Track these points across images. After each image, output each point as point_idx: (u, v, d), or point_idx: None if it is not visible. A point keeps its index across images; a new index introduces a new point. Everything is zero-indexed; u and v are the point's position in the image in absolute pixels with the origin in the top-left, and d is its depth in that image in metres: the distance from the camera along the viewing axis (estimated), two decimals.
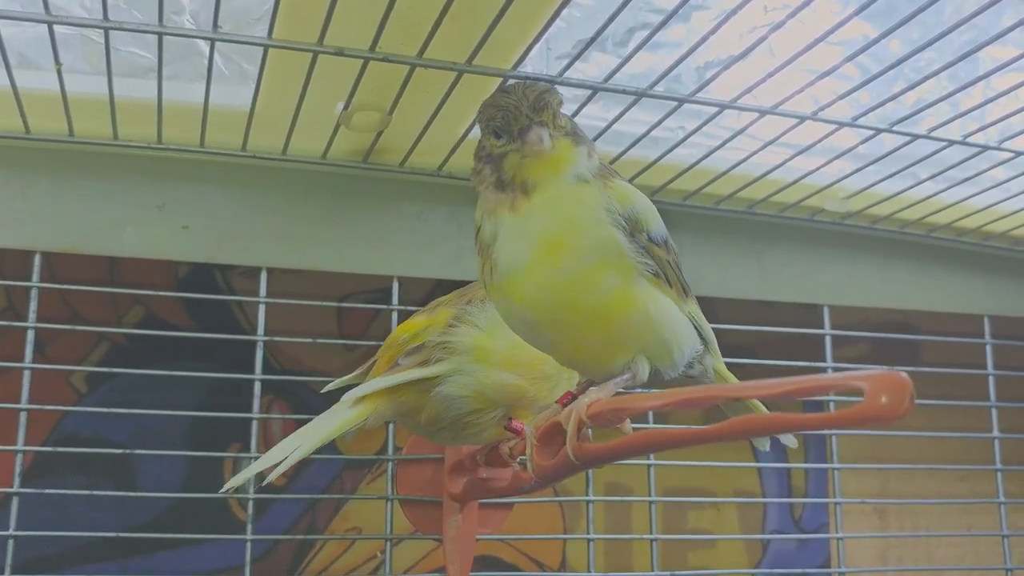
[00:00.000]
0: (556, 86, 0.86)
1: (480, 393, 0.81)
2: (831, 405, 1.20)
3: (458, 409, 0.82)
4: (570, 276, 0.62)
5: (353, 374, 0.88)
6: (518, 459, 0.82)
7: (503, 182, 0.64)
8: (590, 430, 0.65)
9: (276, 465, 0.74)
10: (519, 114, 0.62)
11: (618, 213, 0.63)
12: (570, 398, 0.68)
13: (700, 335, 0.69)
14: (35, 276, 0.97)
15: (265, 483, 0.74)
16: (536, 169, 0.63)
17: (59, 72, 0.83)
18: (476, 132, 0.96)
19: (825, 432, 1.22)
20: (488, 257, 0.65)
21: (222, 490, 0.77)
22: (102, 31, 0.78)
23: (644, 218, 0.65)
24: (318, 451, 1.11)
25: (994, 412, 1.31)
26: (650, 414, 1.12)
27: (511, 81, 0.85)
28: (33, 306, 0.97)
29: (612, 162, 1.02)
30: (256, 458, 1.00)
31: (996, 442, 1.31)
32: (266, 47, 0.80)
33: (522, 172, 0.63)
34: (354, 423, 0.79)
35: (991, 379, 1.32)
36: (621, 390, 0.63)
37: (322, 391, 0.88)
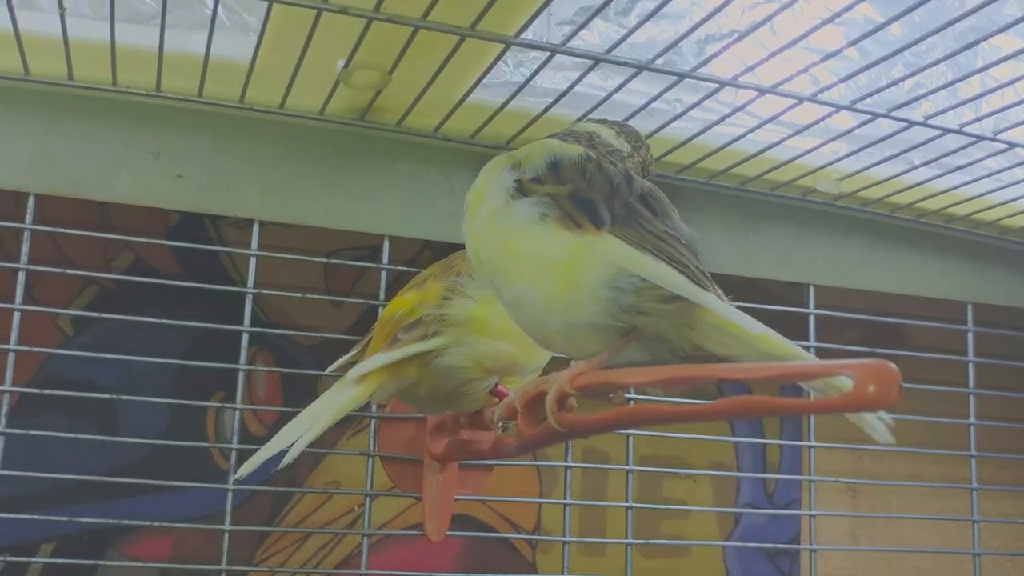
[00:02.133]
0: (559, 53, 0.87)
1: (477, 362, 0.82)
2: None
3: (456, 379, 0.83)
4: (478, 230, 0.66)
5: (351, 353, 0.88)
6: (500, 424, 0.83)
7: None
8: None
9: (290, 446, 0.75)
10: None
11: (510, 166, 0.66)
12: None
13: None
14: (28, 218, 0.97)
15: (280, 467, 0.74)
16: None
17: (62, 16, 0.82)
18: (473, 96, 0.97)
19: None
20: None
21: (237, 475, 0.77)
22: None
23: (524, 161, 0.66)
24: (301, 404, 1.13)
25: (972, 399, 1.33)
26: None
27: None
28: (26, 248, 0.97)
29: None
30: (240, 409, 1.02)
31: (972, 428, 1.33)
32: (271, 1, 0.80)
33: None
34: (361, 400, 0.81)
35: (971, 366, 1.34)
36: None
37: (326, 371, 0.88)
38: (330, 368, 0.87)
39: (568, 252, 0.59)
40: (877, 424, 0.50)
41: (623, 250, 0.59)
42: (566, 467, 1.15)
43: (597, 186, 0.62)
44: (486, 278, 0.67)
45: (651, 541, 1.28)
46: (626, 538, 1.16)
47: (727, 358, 0.58)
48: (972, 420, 1.33)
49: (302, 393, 1.17)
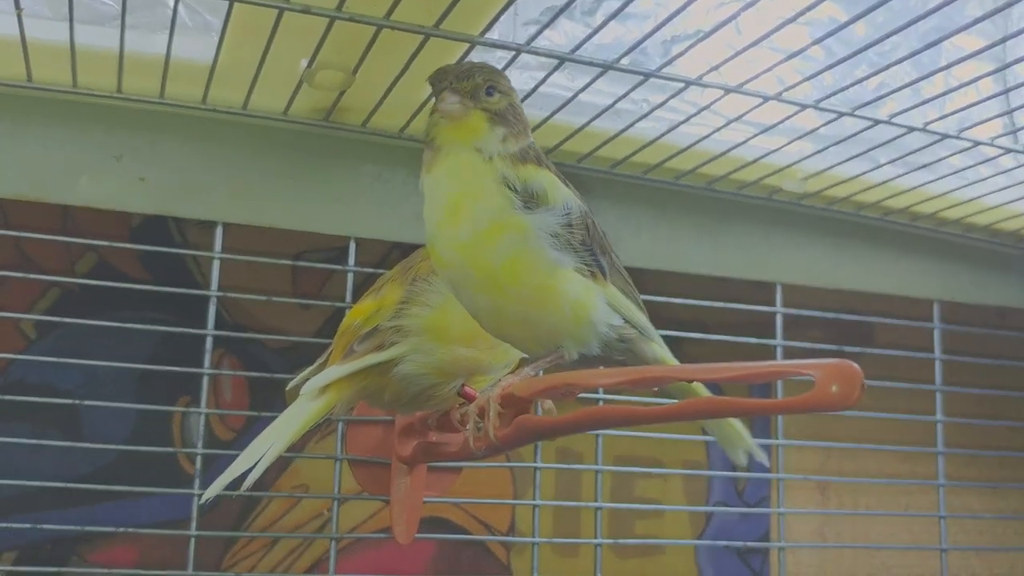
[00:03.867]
0: (524, 52, 0.87)
1: (438, 369, 0.81)
2: (779, 386, 1.22)
3: (419, 385, 0.82)
4: (468, 237, 0.67)
5: (313, 367, 0.86)
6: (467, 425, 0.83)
7: (426, 138, 0.71)
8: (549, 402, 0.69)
9: (254, 466, 0.75)
10: (445, 77, 0.69)
11: (513, 186, 0.67)
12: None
13: (625, 320, 0.70)
14: None
15: (244, 489, 0.73)
16: (443, 131, 0.69)
17: (19, 17, 0.81)
18: None
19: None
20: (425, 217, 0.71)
21: (201, 500, 0.77)
22: None
23: (544, 193, 0.68)
24: (269, 408, 1.12)
25: (939, 396, 1.34)
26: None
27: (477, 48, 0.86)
28: None
29: (574, 133, 1.02)
30: (205, 414, 1.01)
31: (939, 425, 1.33)
32: (232, 1, 0.79)
33: (434, 131, 0.70)
34: (322, 414, 0.80)
35: (938, 363, 1.34)
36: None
37: (287, 388, 0.87)
38: (292, 383, 0.86)
39: (587, 295, 0.68)
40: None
41: (619, 297, 0.70)
42: (535, 468, 1.15)
43: (597, 240, 0.70)
44: (469, 280, 0.68)
45: (620, 541, 1.28)
46: (596, 539, 1.16)
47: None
48: (939, 417, 1.33)
49: (270, 396, 1.16)
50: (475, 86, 0.69)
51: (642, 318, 0.72)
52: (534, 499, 1.14)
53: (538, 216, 0.67)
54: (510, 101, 0.70)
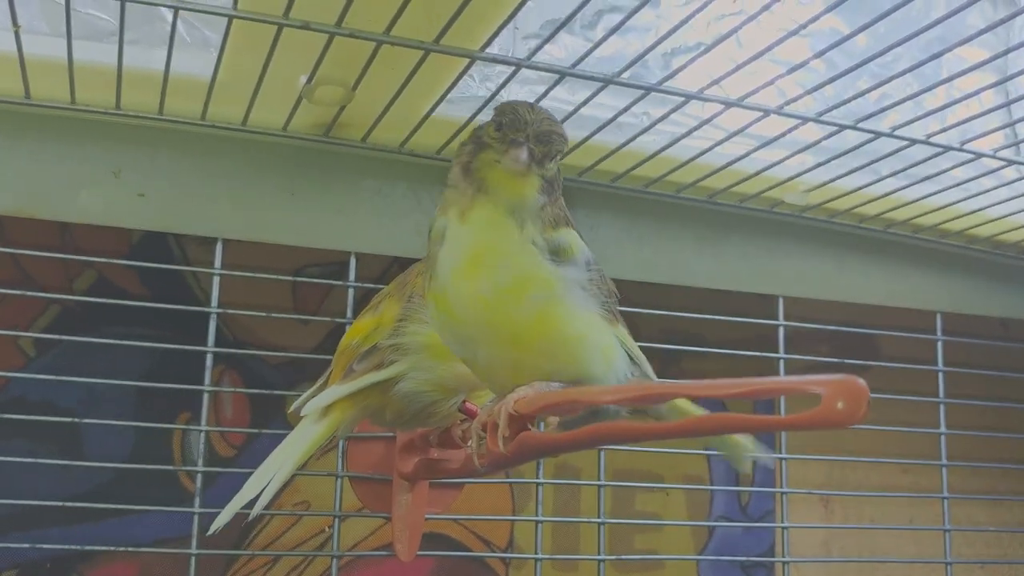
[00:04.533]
0: (525, 67, 0.86)
1: (439, 385, 0.81)
2: (783, 400, 1.21)
3: (420, 402, 0.82)
4: (490, 293, 0.64)
5: (314, 387, 0.86)
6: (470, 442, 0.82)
7: (469, 169, 0.66)
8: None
9: (260, 494, 0.75)
10: (525, 128, 0.65)
11: (542, 244, 0.65)
12: None
13: (631, 360, 0.70)
14: None
15: (251, 519, 0.74)
16: (497, 177, 0.65)
17: (17, 33, 0.81)
18: (439, 111, 0.96)
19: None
20: (433, 259, 0.67)
21: (210, 531, 0.76)
22: None
23: (569, 248, 0.67)
24: (269, 425, 1.11)
25: (942, 408, 1.33)
26: None
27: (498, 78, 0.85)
28: None
29: (576, 147, 1.02)
30: (206, 431, 1.00)
31: (942, 438, 1.33)
32: (230, 17, 0.79)
33: (486, 171, 0.65)
34: (327, 435, 0.79)
35: (941, 375, 1.34)
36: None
37: (289, 411, 0.87)
38: (294, 405, 0.85)
39: (611, 340, 0.68)
40: None
41: (631, 342, 0.70)
42: (537, 483, 1.14)
43: (606, 288, 0.69)
44: (488, 337, 0.66)
45: (623, 556, 1.27)
46: (598, 554, 1.15)
47: None
48: (943, 429, 1.33)
49: (270, 412, 1.15)
50: (546, 154, 0.66)
51: (646, 363, 0.71)
52: (535, 515, 1.13)
53: (565, 268, 0.65)
54: (558, 166, 0.68)
